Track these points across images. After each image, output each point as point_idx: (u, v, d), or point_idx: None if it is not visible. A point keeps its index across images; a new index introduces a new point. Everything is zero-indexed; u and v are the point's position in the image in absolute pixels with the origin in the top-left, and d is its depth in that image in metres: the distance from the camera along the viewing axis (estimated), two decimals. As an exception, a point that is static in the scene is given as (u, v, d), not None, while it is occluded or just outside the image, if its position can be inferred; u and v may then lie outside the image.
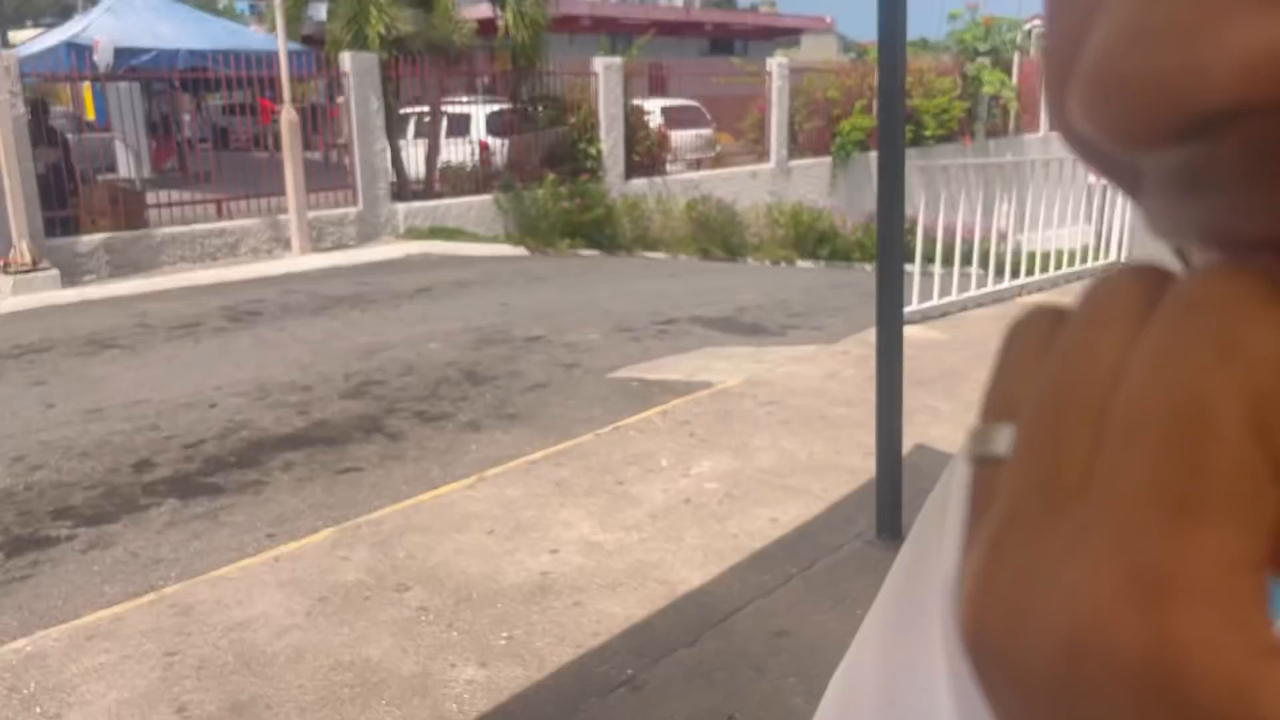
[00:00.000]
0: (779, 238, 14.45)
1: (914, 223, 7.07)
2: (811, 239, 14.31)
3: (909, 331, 3.90)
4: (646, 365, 6.50)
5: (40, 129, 9.76)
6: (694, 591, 3.35)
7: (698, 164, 15.73)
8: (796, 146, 16.96)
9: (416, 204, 12.41)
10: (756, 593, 3.32)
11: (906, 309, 4.66)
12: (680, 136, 15.46)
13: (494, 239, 12.53)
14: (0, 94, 8.86)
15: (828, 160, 17.30)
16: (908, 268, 4.26)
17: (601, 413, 5.44)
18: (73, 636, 3.24)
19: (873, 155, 17.59)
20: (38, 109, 9.86)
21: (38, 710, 2.83)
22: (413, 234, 12.09)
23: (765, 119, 16.47)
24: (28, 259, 9.06)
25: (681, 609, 3.24)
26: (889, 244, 3.60)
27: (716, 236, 13.79)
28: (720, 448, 4.72)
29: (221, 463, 4.84)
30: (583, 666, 2.94)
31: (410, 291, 9.24)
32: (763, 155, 16.59)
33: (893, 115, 3.48)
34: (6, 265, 9.04)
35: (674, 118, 15.47)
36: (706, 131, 16.04)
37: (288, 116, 10.63)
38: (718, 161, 16.07)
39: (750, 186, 15.80)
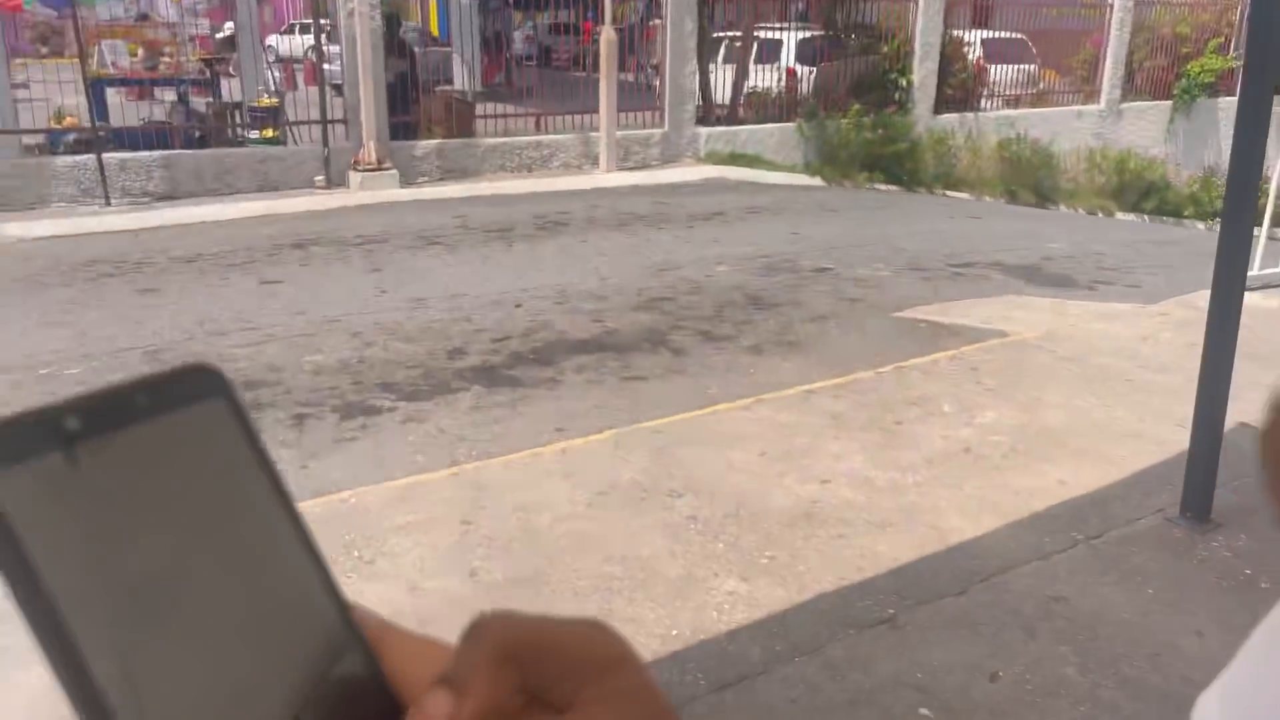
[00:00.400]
0: (1098, 185, 13.28)
1: (1268, 181, 6.27)
2: (1136, 189, 13.05)
3: (1248, 299, 3.49)
4: (936, 307, 6.27)
5: (392, 41, 10.72)
6: (966, 542, 3.25)
7: (1015, 101, 14.68)
8: (1132, 87, 15.40)
9: (718, 128, 12.49)
10: (1035, 554, 3.17)
11: (1249, 273, 4.16)
12: (1000, 71, 14.46)
13: (790, 167, 12.41)
14: (362, 6, 9.80)
15: (1167, 104, 15.61)
16: (1254, 230, 3.80)
17: (884, 350, 5.33)
18: (388, 495, 3.65)
19: (1222, 101, 15.74)
20: (391, 23, 10.83)
21: (355, 555, 3.23)
22: (712, 158, 12.22)
23: (1099, 55, 15.04)
24: (374, 158, 10.07)
25: (951, 557, 3.16)
26: (1240, 200, 3.22)
27: (1027, 179, 12.89)
28: (1009, 400, 4.49)
29: (522, 358, 5.22)
30: (843, 598, 2.96)
31: (704, 214, 9.40)
32: (1091, 95, 15.21)
33: (1263, 55, 3.08)
34: (356, 163, 10.11)
35: (995, 51, 14.47)
36: (1030, 67, 14.88)
37: (607, 36, 10.99)
38: (1038, 99, 14.90)
39: (1072, 128, 14.56)
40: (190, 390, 0.28)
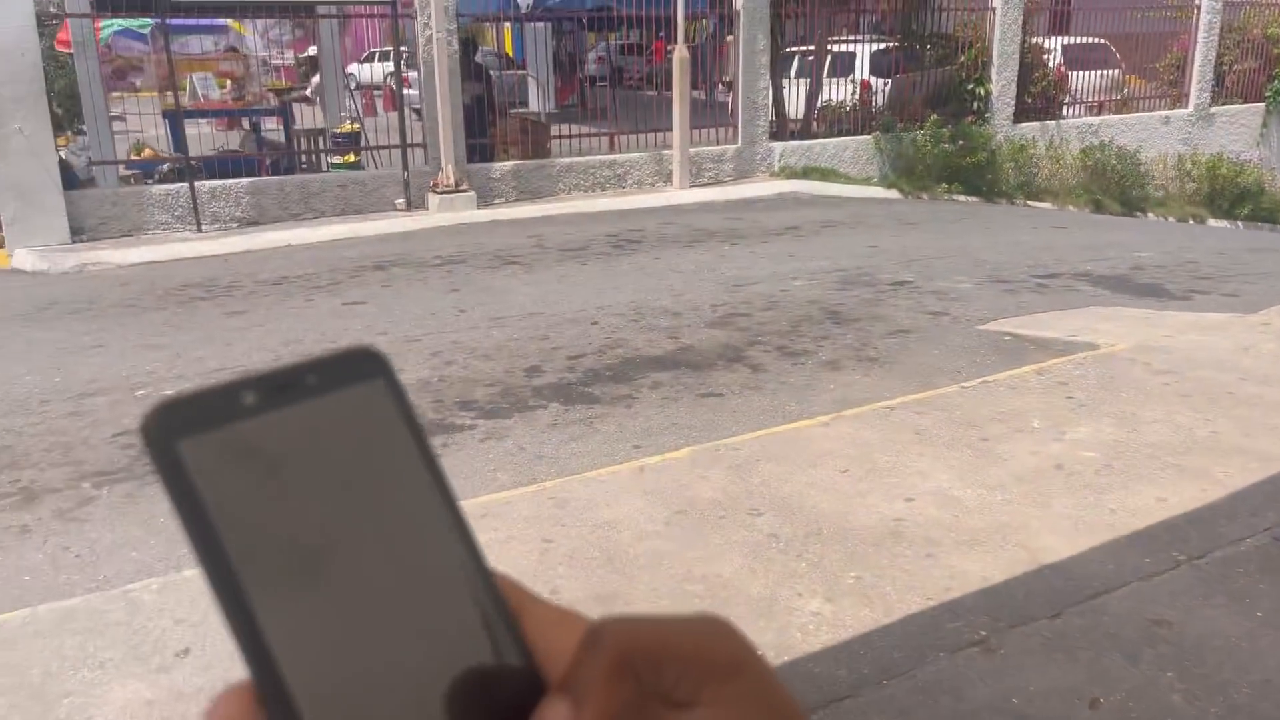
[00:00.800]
0: (1188, 192, 12.86)
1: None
2: (1229, 195, 12.62)
3: (1359, 306, 3.34)
4: (1022, 320, 6.11)
5: (468, 65, 10.91)
6: (1060, 563, 3.14)
7: (1098, 107, 14.30)
8: (1221, 90, 14.90)
9: (792, 143, 12.42)
10: (1134, 575, 3.04)
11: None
12: (1081, 77, 14.11)
13: (866, 180, 12.27)
14: (439, 33, 9.99)
15: (1259, 107, 15.07)
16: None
17: (968, 365, 5.20)
18: (470, 513, 3.58)
19: (1322, 102, 15.11)
20: (467, 47, 11.02)
21: (440, 571, 3.25)
22: (786, 172, 12.14)
23: (1187, 58, 14.58)
24: (451, 180, 10.24)
25: (1045, 578, 3.05)
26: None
27: (1113, 187, 12.54)
28: (1102, 415, 4.34)
29: (599, 375, 5.23)
30: (932, 619, 2.87)
31: (779, 229, 9.33)
32: (1178, 99, 14.75)
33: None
34: (435, 185, 10.29)
35: (1076, 57, 14.13)
36: (1113, 72, 14.49)
37: (680, 54, 11.02)
38: (1122, 105, 14.50)
39: (1159, 134, 14.14)
40: (354, 371, 0.31)
